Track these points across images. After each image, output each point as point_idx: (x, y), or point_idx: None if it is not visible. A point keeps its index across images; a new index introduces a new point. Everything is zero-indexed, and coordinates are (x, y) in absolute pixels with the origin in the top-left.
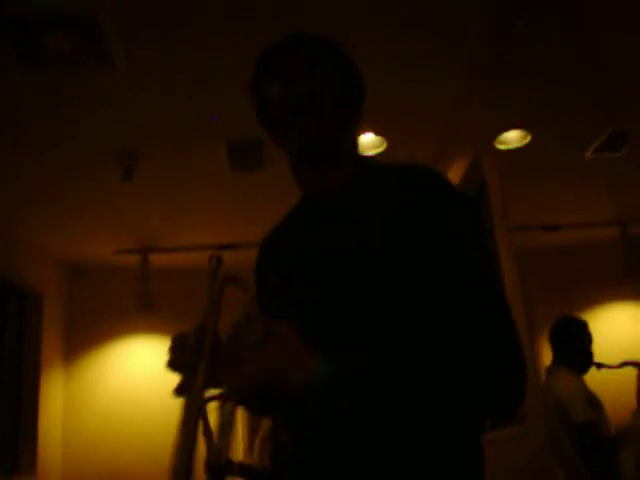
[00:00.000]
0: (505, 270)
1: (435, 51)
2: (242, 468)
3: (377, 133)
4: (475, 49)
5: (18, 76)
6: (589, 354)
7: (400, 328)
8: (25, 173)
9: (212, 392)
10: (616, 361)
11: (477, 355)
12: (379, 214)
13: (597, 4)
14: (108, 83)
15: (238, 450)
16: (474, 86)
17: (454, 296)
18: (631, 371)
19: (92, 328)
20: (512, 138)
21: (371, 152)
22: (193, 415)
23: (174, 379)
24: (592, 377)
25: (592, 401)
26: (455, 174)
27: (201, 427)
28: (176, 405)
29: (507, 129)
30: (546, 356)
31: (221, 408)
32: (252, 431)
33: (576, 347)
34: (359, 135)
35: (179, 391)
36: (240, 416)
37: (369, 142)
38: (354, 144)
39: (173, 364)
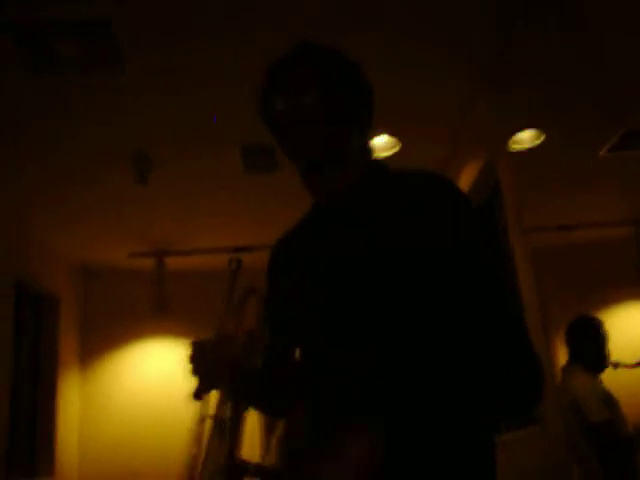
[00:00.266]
0: (520, 271)
1: (447, 53)
2: (258, 469)
3: (391, 134)
4: (484, 50)
5: (34, 81)
6: (605, 353)
7: (410, 330)
8: (39, 176)
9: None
10: (632, 360)
11: (493, 356)
12: (386, 215)
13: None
14: (123, 86)
15: (254, 451)
16: (485, 87)
17: (466, 299)
18: None
19: (108, 331)
20: (526, 138)
21: (385, 154)
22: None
23: (190, 382)
24: (608, 376)
25: (608, 400)
26: (469, 175)
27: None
28: (191, 408)
29: (521, 129)
30: (562, 356)
31: (231, 409)
32: (268, 430)
33: (592, 346)
34: (372, 138)
35: (196, 396)
36: (255, 416)
37: (383, 144)
38: (363, 149)
39: (197, 373)
